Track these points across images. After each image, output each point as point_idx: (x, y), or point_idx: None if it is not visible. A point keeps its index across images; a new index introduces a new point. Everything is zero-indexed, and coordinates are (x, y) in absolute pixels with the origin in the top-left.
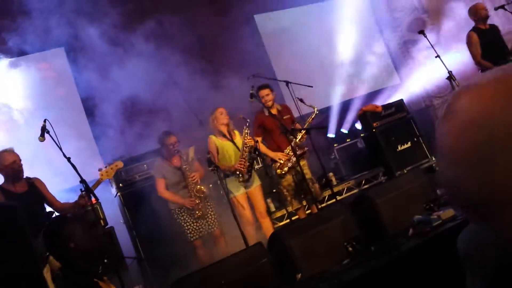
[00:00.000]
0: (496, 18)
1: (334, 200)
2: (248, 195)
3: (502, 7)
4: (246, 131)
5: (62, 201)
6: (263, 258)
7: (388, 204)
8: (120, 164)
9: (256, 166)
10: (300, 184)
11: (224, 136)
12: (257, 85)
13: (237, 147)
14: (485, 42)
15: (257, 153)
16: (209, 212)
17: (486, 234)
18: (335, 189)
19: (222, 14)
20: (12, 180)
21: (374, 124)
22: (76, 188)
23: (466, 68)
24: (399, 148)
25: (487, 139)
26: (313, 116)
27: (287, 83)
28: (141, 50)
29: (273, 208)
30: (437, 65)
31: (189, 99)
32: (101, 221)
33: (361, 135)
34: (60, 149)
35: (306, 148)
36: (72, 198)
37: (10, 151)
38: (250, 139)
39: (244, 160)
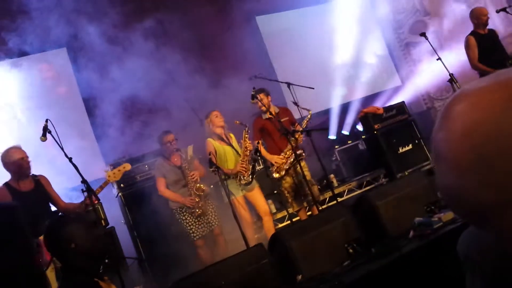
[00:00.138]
0: (497, 20)
1: (335, 201)
2: (247, 198)
3: (504, 9)
4: (246, 135)
5: (65, 201)
6: (263, 259)
7: (389, 206)
8: (128, 167)
9: (257, 167)
10: (300, 186)
11: (222, 139)
12: (258, 86)
13: (236, 151)
14: (484, 47)
15: (258, 154)
16: (209, 209)
17: (486, 236)
18: (336, 191)
19: (223, 15)
20: (19, 177)
21: (375, 126)
22: (79, 188)
23: (466, 70)
24: (400, 150)
25: (486, 143)
26: (307, 119)
27: (289, 84)
28: (143, 50)
29: (274, 209)
30: (438, 67)
31: (190, 99)
32: (102, 221)
33: (362, 137)
34: (62, 149)
35: (301, 151)
36: (75, 196)
37: (17, 148)
38: (249, 143)
39: (245, 163)
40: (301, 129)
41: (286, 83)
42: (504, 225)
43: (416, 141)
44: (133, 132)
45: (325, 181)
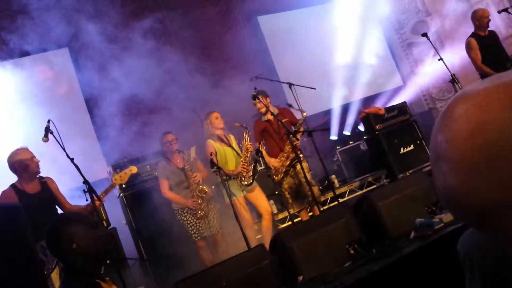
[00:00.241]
0: (499, 21)
1: (336, 202)
2: (248, 198)
3: (506, 10)
4: (247, 137)
5: (68, 201)
6: (264, 260)
7: (390, 207)
8: (134, 170)
9: (259, 168)
10: (300, 186)
11: (222, 140)
12: (259, 86)
13: (236, 152)
14: (484, 48)
15: (259, 155)
16: (211, 213)
17: (486, 237)
18: (338, 192)
19: (224, 15)
20: (26, 179)
21: (377, 127)
22: (81, 188)
23: (467, 70)
24: (402, 150)
25: (493, 143)
26: (301, 121)
27: (290, 85)
28: (144, 50)
29: (275, 210)
30: (440, 67)
31: (192, 100)
32: (104, 222)
33: (364, 137)
34: (64, 149)
35: (296, 153)
36: (77, 196)
37: (24, 149)
38: (250, 144)
39: (246, 164)
40: (302, 129)
41: (287, 83)
42: (507, 226)
43: (418, 142)
44: (135, 133)
45: (326, 181)
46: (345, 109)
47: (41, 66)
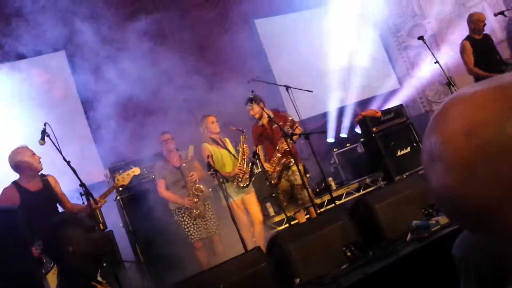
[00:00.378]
0: (495, 24)
1: (333, 204)
2: (243, 201)
3: (502, 13)
4: (243, 140)
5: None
6: (262, 262)
7: (387, 209)
8: (137, 171)
9: (256, 171)
10: (293, 189)
11: (217, 143)
12: (256, 89)
13: (232, 154)
14: (479, 52)
15: (256, 157)
16: (208, 214)
17: (481, 239)
18: (335, 194)
19: (222, 18)
20: (28, 176)
21: (374, 129)
22: (79, 190)
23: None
24: (399, 153)
25: (490, 142)
26: (296, 125)
27: (287, 87)
28: (141, 53)
29: (272, 213)
30: (436, 70)
31: (189, 102)
32: (100, 225)
33: (361, 140)
34: (60, 152)
35: (287, 159)
36: (77, 197)
37: (24, 147)
38: (247, 147)
39: (243, 166)
40: (299, 131)
41: (284, 86)
42: (503, 226)
43: (414, 144)
44: (132, 135)
45: (323, 184)
46: (342, 111)
47: (38, 69)
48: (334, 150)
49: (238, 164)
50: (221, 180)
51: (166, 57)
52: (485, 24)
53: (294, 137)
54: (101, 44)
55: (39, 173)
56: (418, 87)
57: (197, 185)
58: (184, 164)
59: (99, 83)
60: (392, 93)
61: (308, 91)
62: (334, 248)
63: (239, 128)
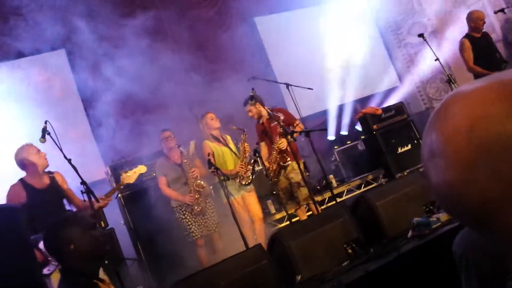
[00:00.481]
0: (495, 21)
1: (334, 202)
2: (244, 198)
3: (502, 10)
4: (244, 139)
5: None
6: (263, 259)
7: (388, 206)
8: (143, 169)
9: (257, 168)
10: (292, 187)
11: (218, 140)
12: (257, 87)
13: (234, 152)
14: (478, 50)
15: (257, 155)
16: (209, 211)
17: (482, 238)
18: (336, 191)
19: (222, 16)
20: (35, 174)
21: (374, 127)
22: (80, 188)
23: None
24: (399, 150)
25: (493, 138)
26: (297, 123)
27: (287, 85)
28: (141, 51)
29: (273, 210)
30: (437, 68)
31: (189, 100)
32: (102, 223)
33: (361, 137)
34: (61, 150)
35: (284, 156)
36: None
37: (30, 145)
38: (248, 146)
39: (244, 164)
40: (299, 129)
41: (284, 84)
42: (503, 225)
43: (415, 141)
44: (132, 133)
45: (324, 181)
46: (343, 109)
47: (38, 67)
48: (335, 147)
49: (240, 162)
50: (221, 177)
51: (166, 55)
52: (484, 22)
53: (294, 135)
54: (101, 42)
55: (46, 170)
56: (419, 84)
57: (198, 181)
58: (185, 161)
59: (99, 81)
60: (392, 91)
61: (308, 88)
62: (335, 245)
63: (240, 127)
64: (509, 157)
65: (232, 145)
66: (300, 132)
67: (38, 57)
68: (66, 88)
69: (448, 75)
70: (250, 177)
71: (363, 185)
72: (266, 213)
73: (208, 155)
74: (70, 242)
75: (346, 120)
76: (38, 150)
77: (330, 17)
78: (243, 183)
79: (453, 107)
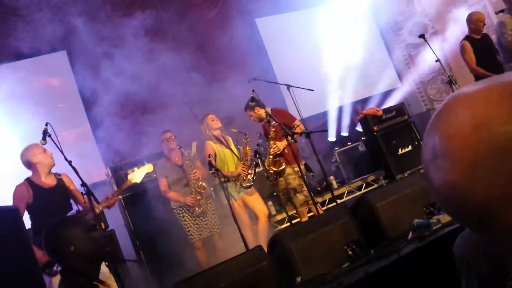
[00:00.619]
0: (496, 22)
1: (334, 203)
2: (245, 201)
3: (503, 11)
4: (246, 142)
5: None
6: (263, 261)
7: (388, 208)
8: (150, 168)
9: (257, 169)
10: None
11: (220, 142)
12: (258, 88)
13: (235, 154)
14: (478, 51)
15: (257, 156)
16: (210, 212)
17: (482, 239)
18: (336, 193)
19: (223, 17)
20: (41, 173)
21: (375, 128)
22: (80, 190)
23: (464, 71)
24: (400, 151)
25: (494, 139)
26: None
27: (288, 86)
28: (143, 51)
29: (273, 211)
30: (438, 69)
31: (190, 101)
32: (102, 224)
33: (362, 138)
34: (62, 152)
35: (280, 161)
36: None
37: (35, 145)
38: (249, 149)
39: (246, 167)
40: (299, 130)
41: (285, 85)
42: (504, 226)
43: (416, 143)
44: (133, 134)
45: (324, 182)
46: (343, 110)
47: (39, 68)
48: (336, 148)
49: (242, 165)
50: (222, 179)
51: (168, 56)
52: (484, 24)
53: (295, 136)
54: (102, 43)
55: (53, 172)
56: (419, 85)
57: (200, 182)
58: (187, 162)
59: (100, 82)
60: (393, 92)
61: (309, 89)
62: (335, 247)
63: (241, 130)
64: (505, 157)
65: (233, 147)
66: (301, 134)
67: (39, 58)
68: (67, 90)
69: (449, 76)
70: (251, 180)
71: (363, 187)
72: None
73: (209, 156)
74: (70, 244)
75: (346, 121)
76: (44, 150)
77: (331, 18)
78: (244, 185)
79: (456, 108)
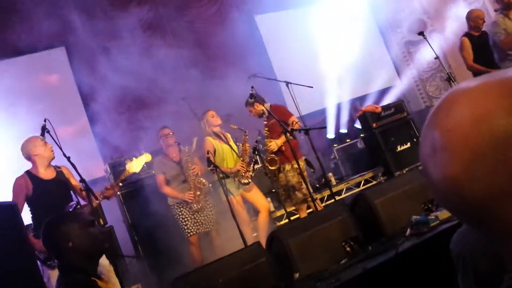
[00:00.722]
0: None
1: (333, 200)
2: (245, 197)
3: None
4: (245, 139)
5: None
6: (261, 257)
7: (386, 204)
8: (148, 157)
9: (256, 166)
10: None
11: (220, 137)
12: (257, 85)
13: (234, 151)
14: (477, 48)
15: (256, 153)
16: (208, 208)
17: (480, 234)
18: (335, 189)
19: (222, 13)
20: (41, 165)
21: (374, 125)
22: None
23: (463, 68)
24: (399, 148)
25: (496, 132)
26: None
27: (287, 83)
28: (142, 48)
29: (272, 208)
30: (437, 66)
31: (189, 98)
32: (100, 220)
33: (361, 135)
34: (60, 148)
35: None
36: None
37: (36, 137)
38: (248, 146)
39: (244, 164)
40: (297, 127)
41: (285, 82)
42: (502, 222)
43: (415, 140)
44: (132, 130)
45: (323, 179)
46: (342, 107)
47: (37, 64)
48: (334, 145)
49: (241, 161)
50: (220, 175)
51: (167, 53)
52: (484, 21)
53: (293, 133)
54: (101, 39)
55: (53, 164)
56: (418, 83)
57: (200, 178)
58: (186, 157)
59: (98, 78)
60: (392, 89)
61: (308, 86)
62: (333, 243)
63: (240, 127)
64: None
65: (232, 143)
66: (299, 130)
67: (38, 54)
68: (65, 86)
69: (448, 73)
70: (250, 177)
71: (362, 183)
72: None
73: (208, 153)
74: (68, 239)
75: (345, 118)
76: (45, 142)
77: (330, 15)
78: (242, 181)
79: (456, 103)
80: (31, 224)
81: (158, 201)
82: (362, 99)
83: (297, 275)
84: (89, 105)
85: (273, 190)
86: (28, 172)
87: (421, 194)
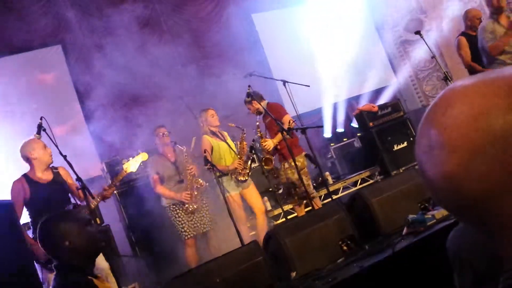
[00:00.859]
0: None
1: (330, 199)
2: (243, 195)
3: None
4: (243, 138)
5: None
6: (258, 256)
7: (383, 203)
8: (145, 156)
9: (253, 165)
10: (289, 184)
11: (217, 135)
12: (254, 83)
13: (231, 148)
14: (474, 48)
15: (253, 151)
16: (204, 209)
17: (476, 232)
18: (331, 188)
19: (219, 12)
20: (39, 168)
21: (371, 124)
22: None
23: (460, 66)
24: (395, 147)
25: (493, 129)
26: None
27: (284, 82)
28: (138, 45)
29: (269, 207)
30: (433, 65)
31: (186, 96)
32: (97, 219)
33: (358, 134)
34: (57, 146)
35: (269, 156)
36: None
37: (36, 140)
38: (246, 144)
39: (241, 161)
40: (295, 126)
41: (281, 80)
42: (498, 218)
43: (411, 139)
44: (128, 130)
45: (320, 178)
46: (339, 106)
47: (34, 63)
48: (331, 144)
49: (238, 158)
50: (217, 174)
51: (163, 51)
52: (481, 21)
53: (291, 132)
54: (97, 37)
55: (51, 166)
56: (415, 82)
57: (198, 179)
58: (185, 156)
59: (95, 77)
60: (389, 88)
61: (305, 85)
62: (330, 242)
63: (238, 125)
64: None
65: (230, 142)
66: (296, 129)
67: (34, 52)
68: (62, 84)
69: (444, 72)
70: (247, 175)
71: (359, 182)
72: None
73: (205, 151)
74: (65, 238)
75: (342, 117)
76: (45, 146)
77: (327, 14)
78: (240, 178)
79: (454, 100)
80: (27, 222)
81: (155, 200)
82: (358, 98)
83: (294, 274)
84: (85, 103)
85: (270, 189)
86: (25, 175)
87: (417, 193)
